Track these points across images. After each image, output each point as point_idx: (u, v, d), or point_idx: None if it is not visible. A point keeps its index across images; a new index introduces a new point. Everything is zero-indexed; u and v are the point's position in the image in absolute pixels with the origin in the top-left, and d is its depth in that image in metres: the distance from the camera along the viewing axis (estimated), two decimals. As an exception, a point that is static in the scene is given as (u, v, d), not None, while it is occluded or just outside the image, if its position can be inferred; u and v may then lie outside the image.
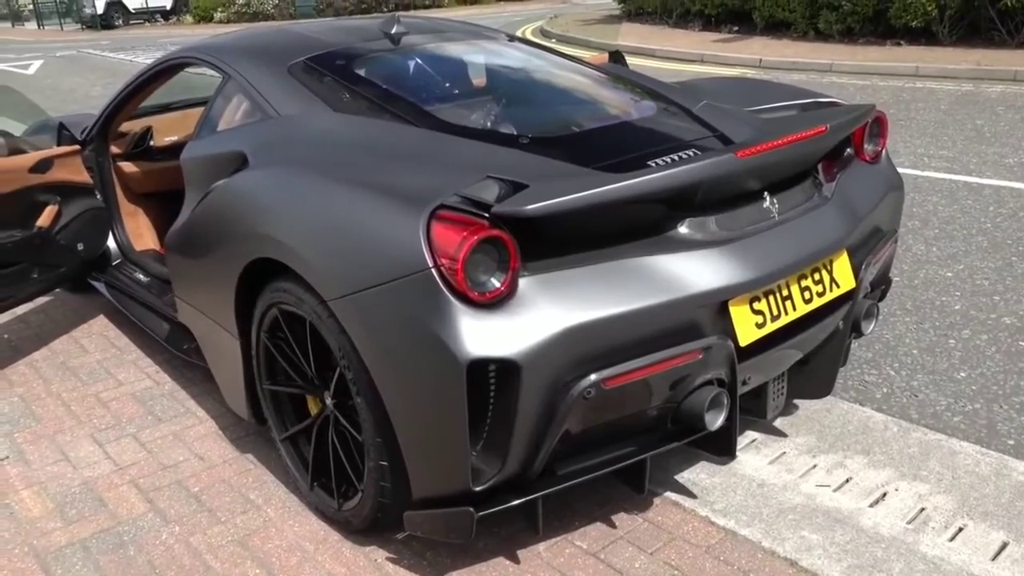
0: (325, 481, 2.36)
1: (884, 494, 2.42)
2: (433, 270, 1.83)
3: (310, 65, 2.80)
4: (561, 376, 1.89)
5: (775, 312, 2.20)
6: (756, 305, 2.16)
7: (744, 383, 2.22)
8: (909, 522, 2.30)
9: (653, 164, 2.23)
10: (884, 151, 2.84)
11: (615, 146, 2.41)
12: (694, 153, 2.32)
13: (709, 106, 2.73)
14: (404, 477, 2.04)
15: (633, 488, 2.27)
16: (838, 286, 2.37)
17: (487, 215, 1.88)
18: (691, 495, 2.42)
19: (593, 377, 1.90)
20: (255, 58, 2.91)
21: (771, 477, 2.51)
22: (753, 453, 2.61)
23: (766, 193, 2.23)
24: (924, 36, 10.74)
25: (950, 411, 2.84)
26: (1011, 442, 2.66)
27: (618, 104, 2.80)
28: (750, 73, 10.46)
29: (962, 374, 3.06)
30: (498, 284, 1.85)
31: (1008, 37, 10.09)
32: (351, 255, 1.98)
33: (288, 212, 2.18)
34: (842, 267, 2.39)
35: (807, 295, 2.28)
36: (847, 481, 2.48)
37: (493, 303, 1.85)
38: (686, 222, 2.11)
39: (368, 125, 2.47)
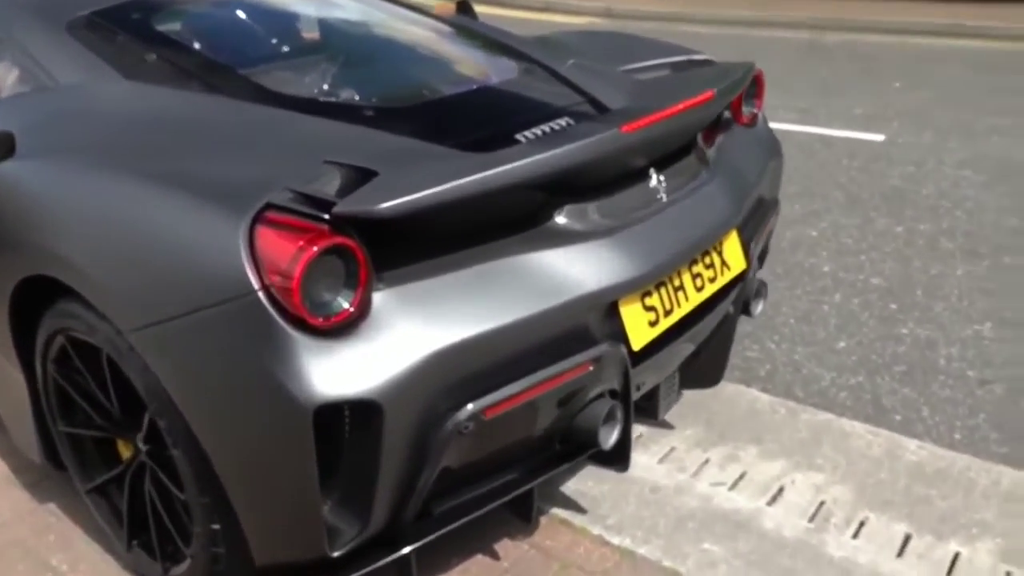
0: (146, 540, 1.93)
1: (781, 488, 2.25)
2: (260, 293, 1.43)
3: (95, 21, 2.27)
4: (432, 410, 1.55)
5: (667, 306, 1.94)
6: (648, 301, 1.89)
7: (638, 388, 1.96)
8: (810, 520, 2.14)
9: (523, 138, 1.90)
10: (761, 113, 2.63)
11: (476, 117, 2.06)
12: (567, 123, 2.00)
13: (577, 66, 2.41)
14: (243, 542, 1.65)
15: (519, 517, 1.98)
16: (729, 269, 2.15)
17: (327, 216, 1.49)
18: (580, 509, 2.17)
19: (470, 407, 1.57)
20: (24, 12, 2.34)
21: (663, 479, 2.29)
22: (641, 451, 2.38)
23: (652, 171, 1.95)
24: (762, -16, 10.90)
25: (835, 386, 2.73)
26: (898, 417, 2.57)
27: (475, 65, 2.44)
28: (599, 22, 10.29)
29: (841, 344, 2.96)
30: (346, 304, 1.48)
31: (839, -14, 10.37)
32: (153, 274, 1.54)
33: (68, 217, 1.70)
34: (732, 247, 2.17)
35: (699, 283, 2.04)
36: (742, 477, 2.30)
37: (340, 328, 1.47)
38: (563, 211, 1.79)
39: (170, 97, 1.99)
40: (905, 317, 3.10)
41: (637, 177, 1.93)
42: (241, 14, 2.44)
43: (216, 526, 1.66)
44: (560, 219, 1.79)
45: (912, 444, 2.39)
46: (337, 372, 1.44)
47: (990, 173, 4.50)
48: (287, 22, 2.51)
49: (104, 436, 1.96)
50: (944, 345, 2.91)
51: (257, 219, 1.48)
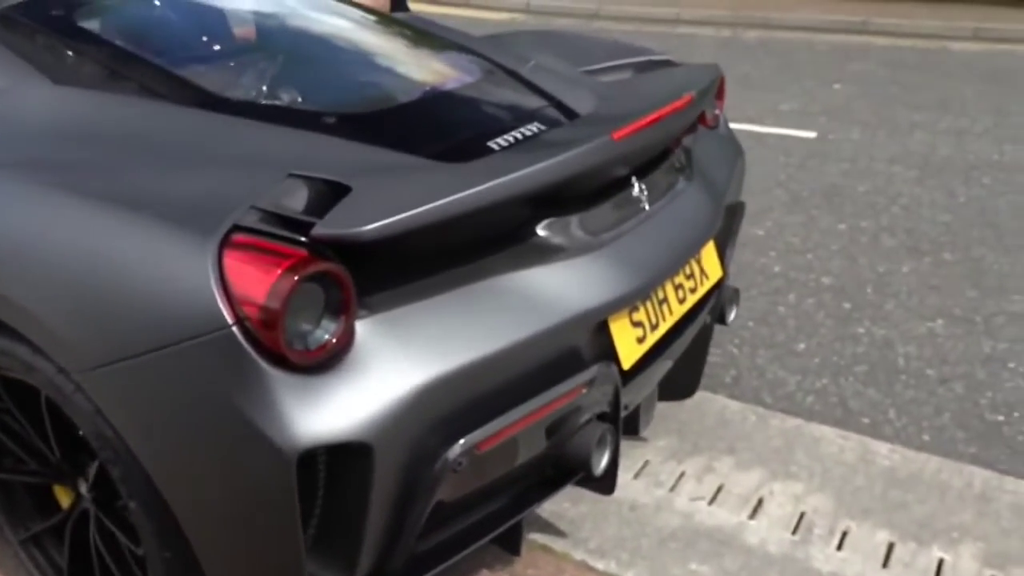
0: (91, 594, 1.74)
1: (760, 500, 2.21)
2: (235, 327, 1.27)
3: (11, 17, 2.03)
4: (423, 447, 1.42)
5: (653, 321, 1.86)
6: (635, 317, 1.80)
7: (626, 408, 1.87)
8: (793, 532, 2.09)
9: (495, 146, 1.79)
10: (722, 114, 2.59)
11: (443, 124, 1.93)
12: (538, 129, 1.90)
13: (539, 68, 2.31)
14: (210, 599, 1.49)
15: (506, 549, 1.86)
16: (707, 278, 2.08)
17: (304, 240, 1.34)
18: (560, 533, 2.07)
19: (463, 442, 1.44)
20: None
21: (641, 496, 2.22)
22: (616, 467, 2.30)
23: (634, 179, 1.86)
24: (679, -19, 11.01)
25: (801, 390, 2.70)
26: (866, 420, 2.56)
27: (435, 68, 2.30)
28: (519, 19, 10.22)
29: (801, 346, 2.95)
30: (327, 335, 1.33)
31: (753, -16, 10.57)
32: (105, 308, 1.36)
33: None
34: (709, 256, 2.10)
35: (681, 294, 1.97)
36: (720, 489, 2.24)
37: (322, 362, 1.33)
38: (546, 225, 1.67)
39: (107, 105, 1.79)
40: (860, 316, 3.11)
41: (619, 187, 1.83)
42: (177, 10, 2.23)
43: (179, 583, 1.49)
44: (543, 234, 1.67)
45: (883, 448, 2.38)
46: (321, 412, 1.30)
47: (919, 169, 4.61)
48: (228, 19, 2.31)
49: (39, 482, 1.76)
50: (901, 344, 2.93)
51: (224, 243, 1.32)
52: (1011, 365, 2.79)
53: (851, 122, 5.45)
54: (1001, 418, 2.55)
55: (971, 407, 2.60)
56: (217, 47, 2.16)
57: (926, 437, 2.48)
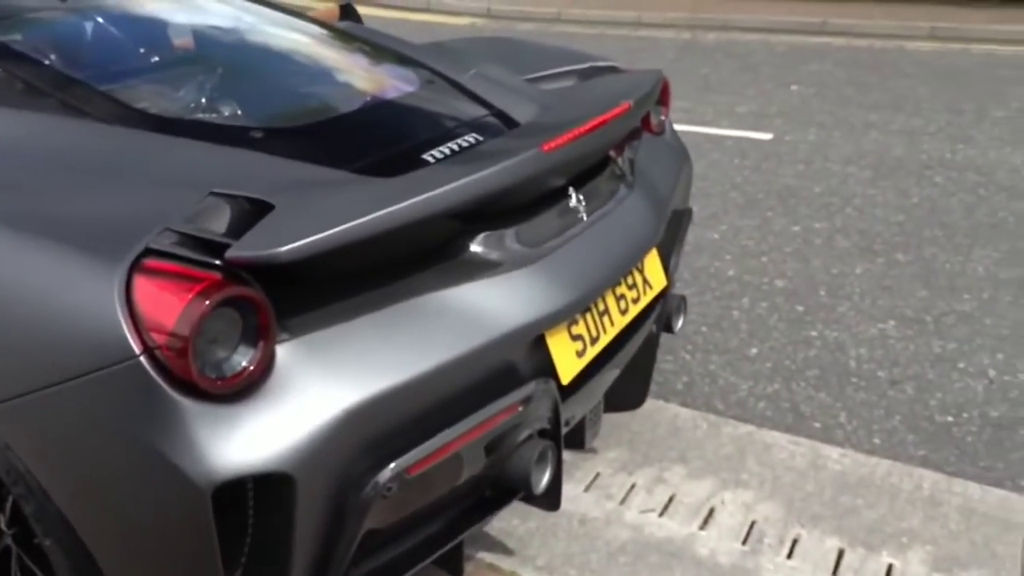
0: (16, 633, 1.67)
1: (711, 510, 2.18)
2: (143, 357, 1.22)
3: (-73, 33, 1.96)
4: (349, 474, 1.37)
5: (594, 333, 1.83)
6: (574, 330, 1.77)
7: (567, 423, 1.84)
8: (744, 542, 2.08)
9: (430, 158, 1.75)
10: (668, 119, 2.57)
11: (377, 136, 1.89)
12: (476, 139, 1.87)
13: (480, 76, 2.27)
14: (133, 637, 1.43)
15: (448, 571, 1.82)
16: (651, 287, 2.05)
17: (220, 263, 1.29)
18: (507, 551, 2.04)
19: (392, 467, 1.40)
20: None
21: (591, 509, 2.19)
22: (566, 479, 2.25)
23: (571, 189, 1.83)
24: (639, -16, 11.05)
25: (753, 396, 2.69)
26: (817, 425, 2.55)
27: (371, 78, 2.26)
28: (480, 23, 10.19)
29: (754, 350, 2.94)
30: (244, 362, 1.28)
31: (712, -14, 10.62)
32: (12, 340, 1.30)
33: None
34: (653, 264, 2.08)
35: (623, 305, 1.94)
36: (671, 500, 2.22)
37: (239, 390, 1.28)
38: (479, 240, 1.64)
39: (20, 121, 1.73)
40: (812, 319, 3.11)
41: (555, 197, 1.80)
42: (103, 24, 2.16)
43: (100, 622, 1.43)
44: (476, 249, 1.64)
45: (834, 452, 2.37)
46: (238, 442, 1.25)
47: (873, 169, 4.64)
48: (155, 32, 2.24)
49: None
50: (853, 346, 2.93)
51: (134, 268, 1.27)
52: (960, 365, 2.80)
53: (807, 123, 5.48)
54: (950, 419, 2.56)
55: (921, 409, 2.60)
56: (144, 61, 2.10)
57: (877, 440, 2.48)
